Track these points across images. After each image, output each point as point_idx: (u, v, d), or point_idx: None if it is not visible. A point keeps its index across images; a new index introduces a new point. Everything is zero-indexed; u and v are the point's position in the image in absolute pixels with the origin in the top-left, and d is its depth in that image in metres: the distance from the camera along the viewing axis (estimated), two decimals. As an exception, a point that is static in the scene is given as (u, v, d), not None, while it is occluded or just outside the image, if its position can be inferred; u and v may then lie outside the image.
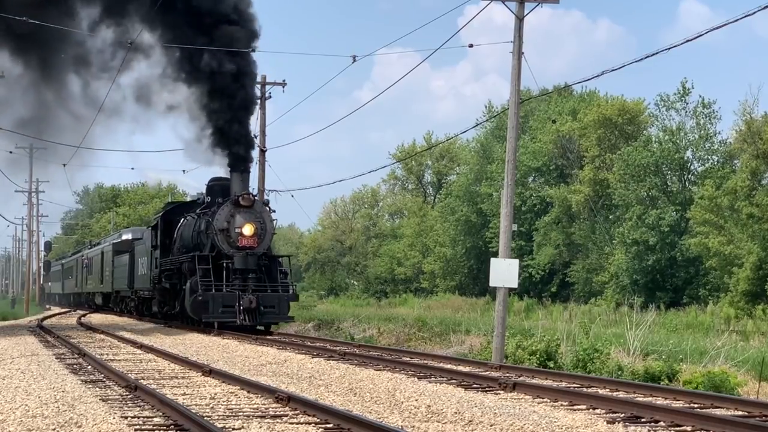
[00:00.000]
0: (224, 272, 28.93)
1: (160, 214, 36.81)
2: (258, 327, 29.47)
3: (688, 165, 58.92)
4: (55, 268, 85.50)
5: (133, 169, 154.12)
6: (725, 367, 21.83)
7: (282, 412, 11.29)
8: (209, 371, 15.87)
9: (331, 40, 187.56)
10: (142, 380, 14.57)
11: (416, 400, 12.30)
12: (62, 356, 20.25)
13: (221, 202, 29.92)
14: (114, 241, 52.59)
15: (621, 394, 13.12)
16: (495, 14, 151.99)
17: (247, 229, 29.20)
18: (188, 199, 43.55)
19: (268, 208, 30.34)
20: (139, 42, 29.79)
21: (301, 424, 10.52)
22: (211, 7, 28.76)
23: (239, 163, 29.93)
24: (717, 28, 20.10)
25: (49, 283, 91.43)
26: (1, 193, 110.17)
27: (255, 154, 35.23)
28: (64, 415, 10.80)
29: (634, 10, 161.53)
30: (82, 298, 66.42)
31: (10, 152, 68.29)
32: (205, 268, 28.93)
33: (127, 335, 27.77)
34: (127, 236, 51.33)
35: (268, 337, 27.44)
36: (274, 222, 30.52)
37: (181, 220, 34.29)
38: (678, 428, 10.40)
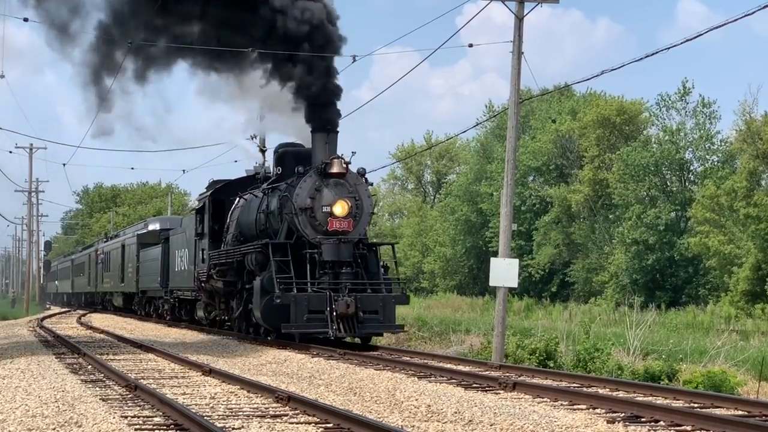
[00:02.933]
0: (308, 266, 22.06)
1: (208, 193, 29.00)
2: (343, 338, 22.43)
3: (688, 165, 58.95)
4: (64, 264, 78.20)
5: (133, 169, 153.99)
6: (725, 367, 21.85)
7: (282, 412, 11.29)
8: (209, 371, 15.88)
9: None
10: (142, 380, 14.57)
11: (416, 399, 12.30)
12: (62, 356, 20.24)
13: (301, 172, 22.58)
14: (139, 232, 45.17)
15: (621, 394, 13.12)
16: (494, 13, 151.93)
17: (339, 208, 22.37)
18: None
19: (364, 180, 23.15)
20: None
21: (301, 423, 10.52)
22: None
23: (325, 122, 22.77)
24: (717, 27, 20.12)
25: (56, 282, 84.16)
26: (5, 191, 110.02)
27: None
28: (64, 415, 10.80)
29: (633, 9, 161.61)
30: (96, 298, 59.00)
31: (10, 152, 68.47)
32: (282, 261, 22.13)
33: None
34: (154, 226, 44.74)
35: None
36: (373, 199, 23.50)
37: (236, 201, 27.16)
38: (678, 428, 10.40)
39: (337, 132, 22.80)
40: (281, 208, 23.09)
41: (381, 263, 23.41)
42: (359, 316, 21.40)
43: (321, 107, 22.65)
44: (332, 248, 22.13)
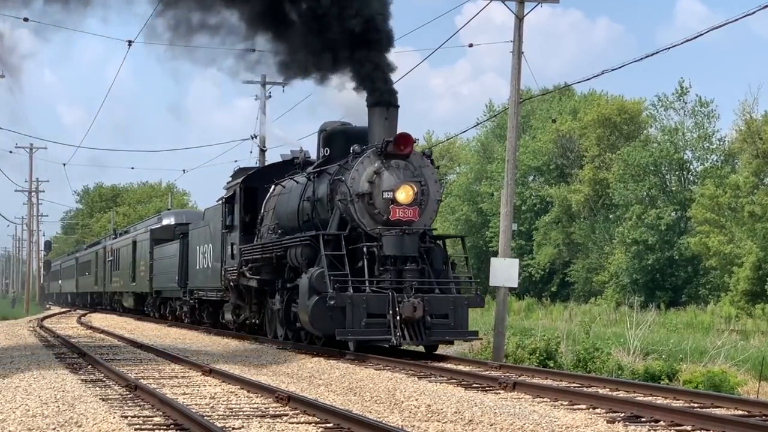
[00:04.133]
0: (365, 262, 18.98)
1: (239, 180, 25.79)
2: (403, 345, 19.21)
3: (687, 165, 58.98)
4: (67, 262, 74.47)
5: (132, 168, 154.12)
6: (725, 367, 21.87)
7: (282, 412, 11.29)
8: (209, 371, 15.88)
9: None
10: (142, 380, 14.57)
11: (416, 399, 12.30)
12: (62, 356, 20.24)
13: (358, 152, 19.51)
14: (153, 227, 41.44)
15: (621, 394, 13.12)
16: (493, 13, 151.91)
17: (403, 194, 19.21)
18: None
19: (430, 162, 20.05)
20: None
21: (301, 423, 10.52)
22: None
23: (384, 94, 19.72)
24: (717, 27, 20.14)
25: (59, 281, 79.84)
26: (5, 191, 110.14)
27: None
28: (64, 415, 10.80)
29: (633, 9, 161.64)
30: (104, 299, 55.56)
31: (10, 152, 68.49)
32: (335, 255, 19.00)
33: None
34: (168, 220, 41.36)
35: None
36: (440, 184, 20.48)
37: (272, 189, 24.14)
38: (678, 428, 10.40)
39: (398, 107, 19.80)
40: (332, 195, 19.96)
41: (448, 259, 20.13)
42: (426, 320, 18.43)
43: (380, 79, 19.76)
44: (394, 241, 18.96)
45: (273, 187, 24.07)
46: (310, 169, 21.83)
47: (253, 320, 24.86)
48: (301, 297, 19.31)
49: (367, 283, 18.71)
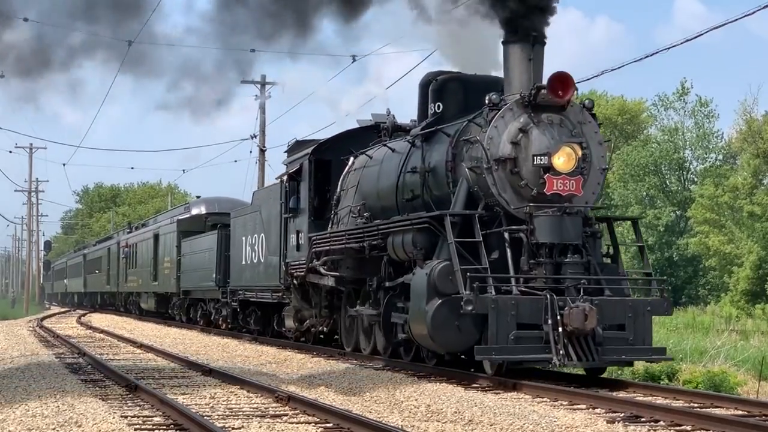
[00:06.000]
0: (508, 252, 14.07)
1: (308, 151, 20.47)
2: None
3: (687, 164, 59.02)
4: (74, 260, 69.60)
5: (132, 168, 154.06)
6: (725, 367, 21.84)
7: (282, 412, 11.29)
8: (209, 371, 15.88)
9: (330, 39, 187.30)
10: (141, 380, 14.57)
11: (416, 399, 12.30)
12: (62, 356, 20.24)
13: (495, 102, 14.43)
14: (180, 217, 36.23)
15: (621, 394, 13.11)
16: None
17: (563, 158, 14.21)
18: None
19: (592, 117, 14.93)
20: None
21: (301, 423, 10.52)
22: None
23: (529, 28, 14.59)
24: (716, 27, 20.11)
25: (65, 280, 74.59)
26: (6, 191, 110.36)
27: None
28: (64, 415, 10.79)
29: (632, 8, 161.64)
30: (117, 300, 50.17)
31: (10, 152, 68.53)
32: (464, 244, 13.97)
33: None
34: (198, 209, 36.19)
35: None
36: (607, 146, 15.32)
37: (350, 162, 19.25)
38: (678, 428, 10.40)
39: (545, 43, 14.84)
40: (454, 162, 15.11)
41: (618, 248, 15.53)
42: (597, 333, 13.57)
43: (525, 7, 14.58)
44: (551, 223, 14.03)
45: (352, 159, 19.15)
46: (415, 130, 16.65)
47: (322, 328, 20.18)
48: (413, 300, 14.53)
49: (513, 282, 13.86)
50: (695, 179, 57.94)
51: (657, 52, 21.61)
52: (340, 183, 19.40)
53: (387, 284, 16.37)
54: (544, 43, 14.87)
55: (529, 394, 13.07)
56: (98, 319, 42.42)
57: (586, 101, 15.12)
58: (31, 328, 33.86)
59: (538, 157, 14.23)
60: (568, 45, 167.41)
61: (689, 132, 58.14)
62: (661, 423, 10.66)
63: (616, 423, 10.60)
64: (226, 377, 14.95)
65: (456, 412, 11.12)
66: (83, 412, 10.93)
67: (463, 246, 13.98)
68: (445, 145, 15.46)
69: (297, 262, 20.31)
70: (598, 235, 14.99)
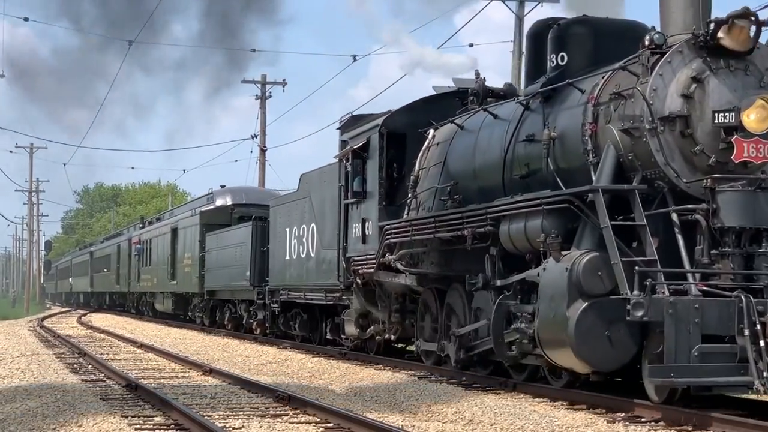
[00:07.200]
0: (680, 240, 10.75)
1: (378, 122, 16.81)
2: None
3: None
4: (79, 258, 65.77)
5: (133, 168, 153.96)
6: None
7: (282, 412, 11.30)
8: (209, 370, 15.88)
9: (330, 39, 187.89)
10: (142, 379, 14.58)
11: (416, 399, 12.30)
12: (62, 355, 20.25)
13: (659, 43, 11.05)
14: (203, 208, 32.24)
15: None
16: (493, 12, 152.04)
17: (754, 114, 10.72)
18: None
19: None
20: None
21: (302, 423, 10.52)
22: None
23: None
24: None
25: (69, 279, 70.61)
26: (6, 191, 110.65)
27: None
28: (64, 415, 10.80)
29: (631, 8, 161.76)
30: (128, 300, 46.47)
31: (10, 152, 68.63)
32: (622, 229, 10.86)
33: None
34: (224, 200, 31.98)
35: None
36: None
37: (431, 135, 15.85)
38: (678, 428, 10.39)
39: None
40: (595, 124, 11.70)
41: None
42: None
43: None
44: (742, 201, 10.71)
45: (431, 132, 15.90)
46: (532, 87, 13.36)
47: (390, 335, 17.01)
48: (542, 303, 11.49)
49: (690, 278, 10.58)
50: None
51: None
52: (418, 160, 15.96)
53: (498, 283, 13.12)
54: None
55: (529, 394, 13.07)
56: (99, 319, 42.41)
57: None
58: (31, 328, 33.86)
59: (721, 114, 10.83)
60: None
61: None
62: (662, 423, 10.65)
63: (617, 423, 10.59)
64: (226, 377, 14.95)
65: (456, 412, 11.13)
66: (83, 412, 10.93)
67: (621, 231, 10.85)
68: (583, 105, 12.08)
69: (362, 257, 17.00)
70: None
